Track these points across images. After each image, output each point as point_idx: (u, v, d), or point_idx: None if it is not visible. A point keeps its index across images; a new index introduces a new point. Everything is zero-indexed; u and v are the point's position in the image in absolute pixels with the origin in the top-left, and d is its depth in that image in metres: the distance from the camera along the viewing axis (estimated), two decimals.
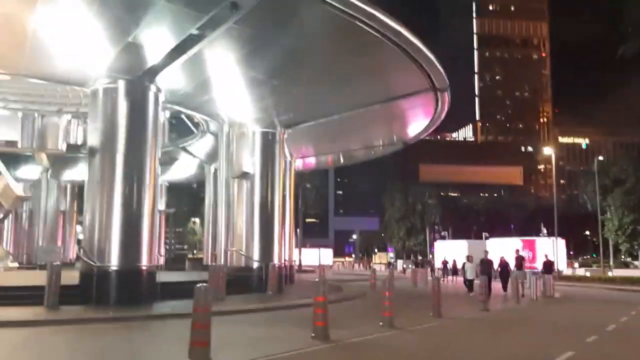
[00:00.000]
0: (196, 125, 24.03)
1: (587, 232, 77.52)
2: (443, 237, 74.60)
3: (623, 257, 62.73)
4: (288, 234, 25.61)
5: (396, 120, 23.16)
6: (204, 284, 7.74)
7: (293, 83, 17.71)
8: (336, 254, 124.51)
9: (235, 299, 16.20)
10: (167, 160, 30.90)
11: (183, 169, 32.28)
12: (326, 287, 10.18)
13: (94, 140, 15.04)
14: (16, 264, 23.52)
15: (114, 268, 14.47)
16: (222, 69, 15.93)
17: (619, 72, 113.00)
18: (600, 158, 58.20)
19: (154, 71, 14.54)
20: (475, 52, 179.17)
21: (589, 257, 74.11)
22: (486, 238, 51.61)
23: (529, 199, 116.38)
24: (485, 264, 20.61)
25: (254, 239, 19.47)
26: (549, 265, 24.32)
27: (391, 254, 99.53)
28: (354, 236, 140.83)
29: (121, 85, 15.02)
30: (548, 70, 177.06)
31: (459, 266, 34.89)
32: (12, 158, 28.36)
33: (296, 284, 24.11)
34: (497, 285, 21.84)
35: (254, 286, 18.88)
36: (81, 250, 14.81)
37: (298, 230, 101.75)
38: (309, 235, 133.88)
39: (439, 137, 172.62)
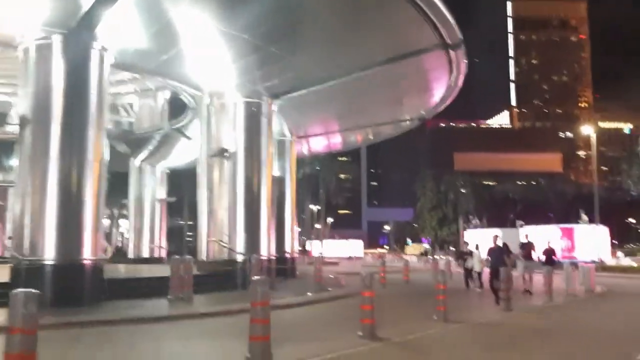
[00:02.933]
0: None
1: (632, 220, 72.65)
2: (475, 226, 70.82)
3: None
4: (289, 222, 22.75)
5: (407, 89, 20.03)
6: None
7: (280, 42, 14.89)
8: (370, 245, 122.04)
9: (202, 299, 13.53)
10: (167, 145, 28.55)
11: (183, 154, 29.81)
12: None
13: (24, 109, 12.48)
14: None
15: (49, 262, 11.92)
16: (185, 19, 13.16)
17: None
18: None
19: (92, 20, 11.83)
20: (511, 36, 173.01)
21: (633, 245, 69.30)
22: (520, 226, 47.79)
23: (569, 186, 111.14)
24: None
25: (237, 227, 16.71)
26: (549, 255, 18.43)
27: (426, 245, 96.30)
28: (387, 227, 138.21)
29: (56, 40, 12.39)
30: (587, 53, 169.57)
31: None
32: None
33: (298, 280, 21.32)
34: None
35: (237, 282, 16.15)
36: (10, 242, 12.30)
37: (328, 220, 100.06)
38: (341, 226, 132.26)
39: (473, 124, 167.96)
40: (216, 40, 14.20)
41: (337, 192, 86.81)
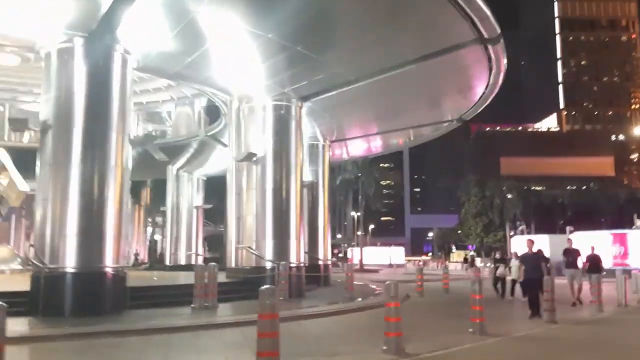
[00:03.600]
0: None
1: None
2: (522, 233, 68.53)
3: None
4: (322, 229, 22.13)
5: (444, 88, 19.15)
6: None
7: (308, 41, 14.34)
8: (413, 252, 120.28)
9: (227, 307, 13.07)
10: (203, 153, 28.48)
11: (220, 161, 29.70)
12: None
13: (45, 114, 12.33)
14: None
15: (70, 270, 11.69)
16: (208, 18, 12.79)
17: None
18: None
19: (112, 21, 11.58)
20: (558, 37, 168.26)
21: None
22: (570, 232, 45.76)
23: (622, 190, 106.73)
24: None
25: (265, 234, 16.19)
26: (594, 261, 16.48)
27: (471, 252, 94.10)
28: (430, 234, 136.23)
29: (78, 44, 12.24)
30: (639, 53, 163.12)
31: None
32: None
33: (331, 288, 20.68)
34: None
35: None
36: (31, 250, 12.15)
37: (369, 227, 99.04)
38: (384, 233, 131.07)
39: (520, 128, 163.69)
40: (242, 40, 13.77)
41: (378, 198, 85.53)
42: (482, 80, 17.96)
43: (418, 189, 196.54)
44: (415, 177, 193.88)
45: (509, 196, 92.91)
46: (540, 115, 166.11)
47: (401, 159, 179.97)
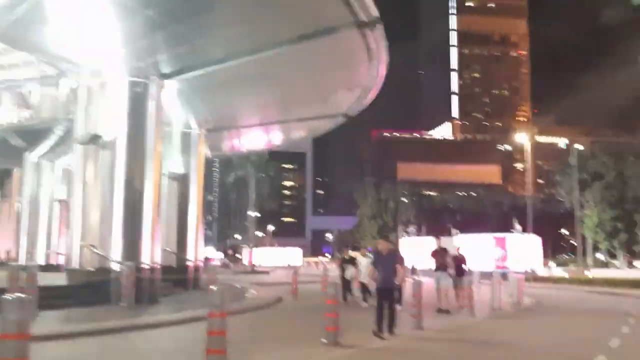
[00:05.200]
0: None
1: (565, 231, 73.58)
2: (411, 234, 69.96)
3: (602, 256, 58.76)
4: (194, 226, 20.17)
5: (325, 79, 17.97)
6: None
7: (165, 8, 12.53)
8: (314, 254, 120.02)
9: (51, 317, 10.88)
10: (68, 140, 25.45)
11: None
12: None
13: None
14: None
15: None
16: None
17: (598, 73, 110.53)
18: (580, 147, 53.75)
19: None
20: (454, 49, 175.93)
21: (565, 256, 70.12)
22: (455, 234, 46.82)
23: (507, 197, 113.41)
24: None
25: (113, 230, 14.06)
26: (460, 264, 14.68)
27: (369, 253, 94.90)
28: (329, 235, 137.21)
29: None
30: (527, 69, 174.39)
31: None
32: None
33: (199, 292, 18.76)
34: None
35: (111, 295, 13.52)
36: None
37: (270, 229, 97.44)
38: (286, 234, 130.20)
39: (417, 135, 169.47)
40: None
41: (274, 197, 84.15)
42: (364, 72, 16.97)
43: (321, 191, 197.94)
44: (319, 179, 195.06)
45: (404, 200, 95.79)
46: (435, 123, 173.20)
47: (304, 161, 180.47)
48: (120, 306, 12.93)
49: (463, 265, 14.70)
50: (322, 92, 18.80)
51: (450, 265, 14.03)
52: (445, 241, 45.60)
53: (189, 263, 19.55)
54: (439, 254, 14.45)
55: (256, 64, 14.89)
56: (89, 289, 13.72)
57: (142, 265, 14.03)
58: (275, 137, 26.94)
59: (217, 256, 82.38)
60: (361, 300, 15.61)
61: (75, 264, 14.68)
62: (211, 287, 7.03)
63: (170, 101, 16.54)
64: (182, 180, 19.76)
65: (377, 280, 9.91)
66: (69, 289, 13.58)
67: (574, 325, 13.52)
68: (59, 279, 14.60)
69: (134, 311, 12.44)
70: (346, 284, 16.51)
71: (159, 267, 14.82)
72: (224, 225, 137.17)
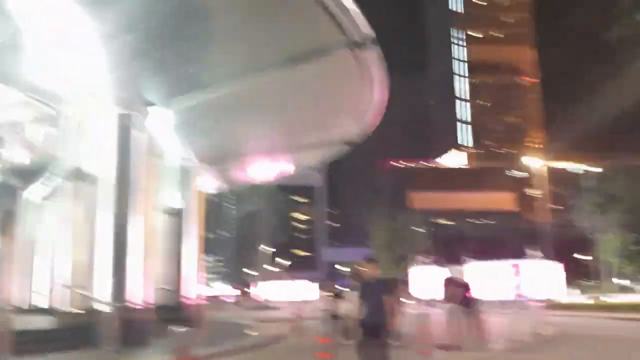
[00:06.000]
0: None
1: (584, 256, 71.53)
2: (423, 264, 68.49)
3: (622, 281, 56.81)
4: (193, 263, 19.34)
5: (324, 103, 17.32)
6: None
7: (151, 39, 12.03)
8: (329, 286, 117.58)
9: None
10: None
11: None
12: None
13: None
14: None
15: None
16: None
17: (608, 95, 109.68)
18: (593, 167, 52.40)
19: None
20: (464, 80, 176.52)
21: (587, 281, 67.96)
22: (464, 262, 45.50)
23: (522, 224, 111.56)
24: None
25: (98, 269, 13.29)
26: (464, 295, 13.03)
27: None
28: (341, 267, 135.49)
29: None
30: (538, 96, 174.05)
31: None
32: None
33: (199, 331, 17.84)
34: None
35: (98, 338, 12.64)
36: None
37: (281, 262, 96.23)
38: (300, 268, 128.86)
39: (431, 164, 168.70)
40: (62, 23, 11.20)
41: (285, 230, 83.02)
42: (362, 96, 16.30)
43: (336, 224, 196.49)
44: (332, 211, 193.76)
45: (420, 230, 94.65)
46: (447, 151, 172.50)
47: (314, 194, 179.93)
48: (106, 350, 12.06)
49: (467, 294, 13.11)
50: (320, 118, 18.14)
51: (460, 295, 12.81)
52: (455, 270, 44.41)
53: (187, 301, 18.65)
54: (451, 283, 13.23)
55: (248, 90, 14.30)
56: (73, 332, 12.89)
57: (131, 305, 13.17)
58: (279, 167, 26.19)
59: (232, 293, 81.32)
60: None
61: (60, 305, 13.88)
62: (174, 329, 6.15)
63: (162, 132, 15.94)
64: (179, 215, 19.03)
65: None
66: (52, 333, 12.74)
67: (598, 357, 12.37)
68: (43, 322, 13.80)
69: (119, 355, 11.56)
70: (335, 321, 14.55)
71: (150, 306, 13.95)
72: (238, 261, 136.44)
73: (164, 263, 17.54)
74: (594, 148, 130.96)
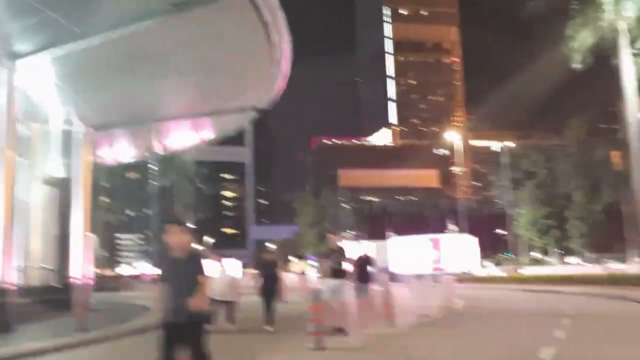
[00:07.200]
0: None
1: (500, 230, 74.08)
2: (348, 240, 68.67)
3: (535, 253, 59.19)
4: (80, 239, 17.42)
5: (214, 61, 15.66)
6: None
7: None
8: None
9: None
10: None
11: None
12: None
13: None
14: None
15: None
16: None
17: (524, 75, 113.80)
18: (512, 145, 53.74)
19: None
20: (390, 57, 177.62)
21: (502, 255, 70.52)
22: (389, 237, 45.62)
23: (445, 200, 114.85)
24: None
25: None
26: (364, 270, 11.48)
27: (312, 262, 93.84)
28: (270, 245, 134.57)
29: None
30: (460, 75, 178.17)
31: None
32: None
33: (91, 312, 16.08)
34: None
35: None
36: None
37: (207, 240, 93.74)
38: (227, 246, 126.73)
39: (357, 142, 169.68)
40: None
41: (212, 207, 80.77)
42: (264, 52, 14.89)
43: (264, 201, 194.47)
44: (261, 189, 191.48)
45: (345, 206, 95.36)
46: (374, 129, 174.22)
47: (244, 170, 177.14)
48: None
49: (369, 268, 11.62)
50: (218, 78, 16.45)
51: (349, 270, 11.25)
52: (384, 245, 44.26)
53: (74, 281, 16.79)
54: (333, 257, 10.80)
55: (129, 43, 12.55)
56: None
57: None
58: (191, 135, 24.31)
59: (154, 272, 78.65)
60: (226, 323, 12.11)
61: None
62: None
63: (38, 91, 13.93)
64: (64, 187, 17.02)
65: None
66: None
67: (504, 332, 11.86)
68: None
69: None
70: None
71: (14, 287, 12.14)
72: (162, 239, 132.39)
73: (44, 239, 15.61)
74: (513, 126, 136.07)
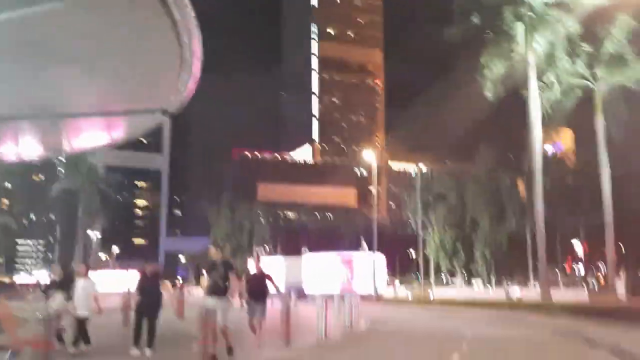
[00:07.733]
0: None
1: (411, 251, 75.78)
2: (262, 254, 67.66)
3: (443, 275, 60.83)
4: None
5: (115, 54, 14.40)
6: None
7: None
8: (167, 277, 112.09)
9: None
10: None
11: None
12: None
13: None
14: None
15: None
16: None
17: (442, 102, 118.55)
18: (423, 168, 55.08)
19: None
20: (315, 74, 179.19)
21: (412, 275, 72.06)
22: (304, 253, 45.28)
23: (361, 220, 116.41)
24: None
25: None
26: (259, 286, 11.11)
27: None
28: (181, 257, 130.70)
29: None
30: (382, 97, 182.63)
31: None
32: None
33: None
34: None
35: None
36: None
37: (113, 249, 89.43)
38: (137, 257, 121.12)
39: (278, 156, 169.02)
40: None
41: (119, 215, 76.74)
42: (172, 49, 13.87)
43: (178, 212, 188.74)
44: (176, 198, 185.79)
45: (262, 220, 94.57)
46: (296, 144, 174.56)
47: (159, 179, 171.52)
48: None
49: (264, 287, 11.01)
50: (123, 76, 15.28)
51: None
52: (295, 260, 43.55)
53: None
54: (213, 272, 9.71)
55: (16, 28, 11.21)
56: None
57: None
58: (92, 136, 22.58)
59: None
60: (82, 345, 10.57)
61: None
62: None
63: None
64: None
65: None
66: None
67: (404, 355, 11.55)
68: None
69: None
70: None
71: None
72: (63, 246, 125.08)
73: None
74: (428, 151, 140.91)
